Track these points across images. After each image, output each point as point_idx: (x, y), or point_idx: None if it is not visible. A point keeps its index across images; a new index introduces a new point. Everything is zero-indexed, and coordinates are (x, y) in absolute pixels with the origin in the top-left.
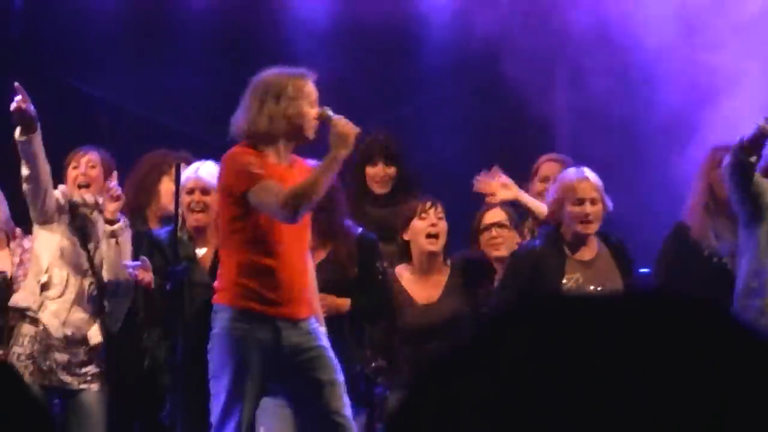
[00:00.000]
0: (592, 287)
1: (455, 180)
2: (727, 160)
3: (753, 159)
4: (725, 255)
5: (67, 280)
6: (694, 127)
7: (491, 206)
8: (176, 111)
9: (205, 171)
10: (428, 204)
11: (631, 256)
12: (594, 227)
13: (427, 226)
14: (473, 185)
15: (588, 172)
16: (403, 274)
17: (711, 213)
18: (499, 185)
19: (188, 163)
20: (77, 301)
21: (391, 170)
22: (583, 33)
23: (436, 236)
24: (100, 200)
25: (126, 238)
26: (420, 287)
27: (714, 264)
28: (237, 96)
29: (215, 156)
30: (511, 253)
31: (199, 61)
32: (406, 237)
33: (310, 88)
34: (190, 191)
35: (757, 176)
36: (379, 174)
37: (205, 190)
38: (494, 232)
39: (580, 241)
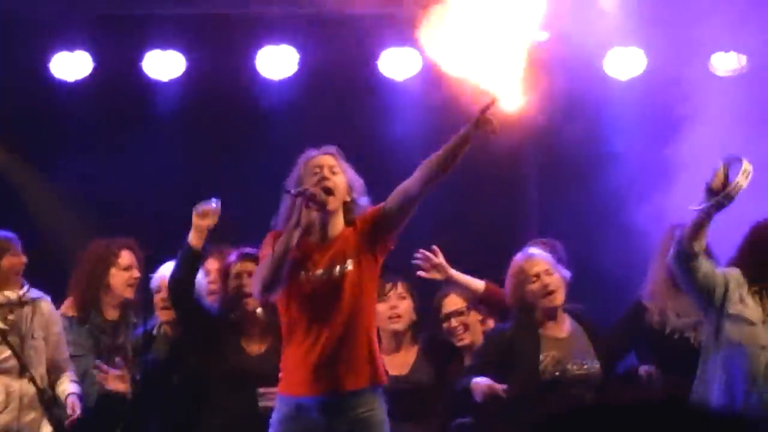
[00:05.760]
0: (569, 365)
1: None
2: (672, 250)
3: (696, 248)
4: (687, 329)
5: (6, 390)
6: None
7: (447, 292)
8: (152, 194)
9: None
10: (388, 286)
11: (596, 326)
12: (559, 298)
13: (389, 308)
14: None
15: (533, 250)
16: None
17: (670, 293)
18: (431, 267)
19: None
20: (24, 405)
21: None
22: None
23: (399, 316)
24: (21, 292)
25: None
26: (389, 360)
27: (675, 340)
28: (207, 180)
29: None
30: (484, 338)
31: (173, 144)
32: None
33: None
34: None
35: (708, 270)
36: None
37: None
38: (454, 322)
39: (550, 317)
